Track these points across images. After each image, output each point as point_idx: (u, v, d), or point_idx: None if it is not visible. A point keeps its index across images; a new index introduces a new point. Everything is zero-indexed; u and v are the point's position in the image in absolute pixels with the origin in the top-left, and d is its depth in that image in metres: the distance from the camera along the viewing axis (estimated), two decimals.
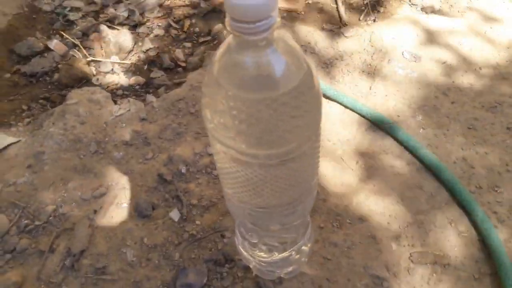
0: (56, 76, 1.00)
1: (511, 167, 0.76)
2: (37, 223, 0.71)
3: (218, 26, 1.08)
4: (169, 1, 1.18)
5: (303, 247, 0.61)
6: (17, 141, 0.83)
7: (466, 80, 0.89)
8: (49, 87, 0.98)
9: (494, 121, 0.82)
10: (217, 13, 1.12)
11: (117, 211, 0.72)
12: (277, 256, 0.59)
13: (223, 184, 0.51)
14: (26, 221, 0.71)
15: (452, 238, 0.68)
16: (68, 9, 1.16)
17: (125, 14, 1.14)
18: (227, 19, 0.34)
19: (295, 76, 0.37)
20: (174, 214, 0.71)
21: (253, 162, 0.40)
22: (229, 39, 0.36)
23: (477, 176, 0.75)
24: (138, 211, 0.72)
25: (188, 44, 1.06)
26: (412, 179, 0.74)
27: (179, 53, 1.04)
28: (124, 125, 0.85)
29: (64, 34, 1.09)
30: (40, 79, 1.00)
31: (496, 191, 0.73)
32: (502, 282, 0.61)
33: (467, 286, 0.63)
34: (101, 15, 1.14)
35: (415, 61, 0.92)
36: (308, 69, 0.38)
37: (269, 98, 0.36)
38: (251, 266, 0.63)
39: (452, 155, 0.77)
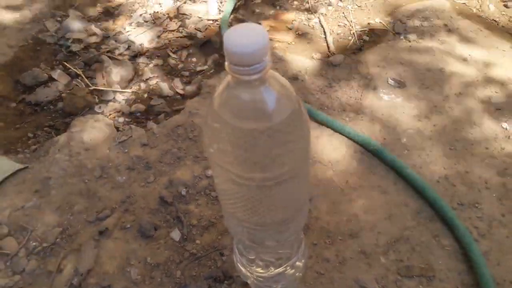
0: (60, 104, 1.05)
1: (490, 184, 0.81)
2: (45, 245, 0.75)
3: (213, 56, 1.14)
4: (167, 32, 1.24)
5: (298, 263, 0.65)
6: (25, 167, 0.87)
7: (447, 104, 0.96)
8: (53, 115, 1.03)
9: (474, 142, 0.88)
10: (212, 43, 1.19)
11: (121, 232, 0.76)
12: (273, 271, 0.63)
13: (222, 203, 0.55)
14: (34, 243, 0.75)
15: (437, 252, 0.72)
16: (70, 40, 1.22)
17: (125, 45, 1.20)
18: (226, 62, 0.39)
19: (286, 109, 0.42)
20: (175, 234, 0.75)
21: (250, 184, 0.45)
22: (228, 78, 0.42)
23: (459, 194, 0.80)
24: (141, 232, 0.76)
25: (186, 73, 1.12)
26: (398, 198, 0.79)
27: (177, 82, 1.09)
28: (126, 150, 0.90)
29: (67, 64, 1.14)
30: (45, 107, 1.05)
31: (477, 207, 0.78)
32: None
33: None
34: (103, 46, 1.20)
35: (399, 87, 0.98)
36: (296, 102, 0.44)
37: (263, 128, 0.41)
38: (249, 282, 0.67)
39: (435, 174, 0.83)
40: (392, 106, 0.95)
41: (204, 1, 1.30)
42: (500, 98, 0.97)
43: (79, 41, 1.22)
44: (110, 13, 1.31)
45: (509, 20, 1.22)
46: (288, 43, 1.14)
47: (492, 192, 0.80)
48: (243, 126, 0.42)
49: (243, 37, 0.37)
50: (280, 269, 0.63)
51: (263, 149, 0.43)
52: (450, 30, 1.14)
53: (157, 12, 1.30)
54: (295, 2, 1.27)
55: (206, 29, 1.24)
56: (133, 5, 1.33)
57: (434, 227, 0.75)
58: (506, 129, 0.90)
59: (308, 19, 1.21)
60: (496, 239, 0.73)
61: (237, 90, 0.41)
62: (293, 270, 0.65)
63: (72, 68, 1.13)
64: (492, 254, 0.71)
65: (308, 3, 1.26)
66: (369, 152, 0.86)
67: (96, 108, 1.04)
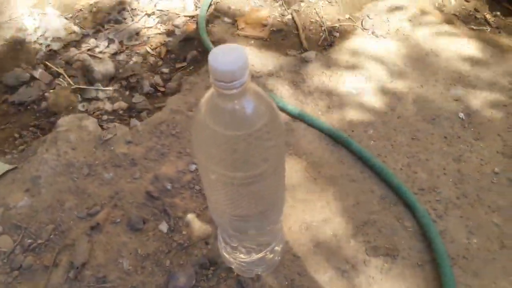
0: (43, 104, 1.08)
1: (447, 171, 0.90)
2: (39, 241, 0.80)
3: (192, 53, 1.19)
4: (146, 29, 1.28)
5: (276, 248, 0.73)
6: (14, 168, 0.91)
7: (410, 96, 1.04)
8: (38, 115, 1.07)
9: (433, 131, 0.97)
10: (191, 40, 1.23)
11: (111, 226, 0.82)
12: (254, 256, 0.70)
13: (208, 197, 0.62)
14: (29, 240, 0.80)
15: (400, 233, 0.81)
16: (50, 39, 1.24)
17: (105, 43, 1.23)
18: (211, 78, 0.45)
19: (263, 116, 0.49)
20: (163, 226, 0.82)
21: (234, 181, 0.52)
22: (212, 89, 0.48)
23: (420, 180, 0.88)
24: (130, 226, 0.82)
25: (166, 70, 1.17)
26: (365, 185, 0.87)
27: (157, 79, 1.14)
28: (112, 148, 0.95)
29: (48, 63, 1.17)
30: (29, 107, 1.08)
31: (435, 191, 0.87)
32: (439, 267, 0.74)
33: (412, 272, 0.76)
34: (83, 45, 1.23)
35: (366, 82, 1.06)
36: (272, 109, 0.50)
37: (244, 134, 0.48)
38: (232, 267, 0.75)
39: (398, 163, 0.91)
40: (360, 99, 1.03)
41: None
42: (457, 89, 1.05)
43: (58, 39, 1.24)
44: (88, 11, 1.33)
45: (468, 14, 1.30)
46: (264, 40, 1.19)
47: (449, 177, 0.89)
48: (226, 133, 0.48)
49: (225, 57, 0.43)
50: (260, 254, 0.70)
51: (245, 152, 0.49)
52: (414, 25, 1.21)
53: (135, 9, 1.33)
54: None
55: (184, 25, 1.28)
56: (111, 2, 1.35)
57: (397, 210, 0.84)
58: (462, 119, 0.99)
59: (282, 15, 1.27)
60: (451, 219, 0.82)
61: (220, 101, 0.47)
62: (272, 255, 0.73)
63: (53, 67, 1.16)
64: (447, 233, 0.80)
65: None
66: (339, 143, 0.94)
67: (80, 107, 1.08)
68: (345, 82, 1.06)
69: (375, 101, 1.03)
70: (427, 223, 0.80)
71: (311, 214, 0.83)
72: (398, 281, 0.74)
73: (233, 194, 0.55)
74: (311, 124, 0.97)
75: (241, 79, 0.43)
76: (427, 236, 0.79)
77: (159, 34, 1.26)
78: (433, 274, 0.75)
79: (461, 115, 1.00)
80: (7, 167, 0.91)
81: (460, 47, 1.15)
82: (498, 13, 1.31)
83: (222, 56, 0.43)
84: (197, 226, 0.81)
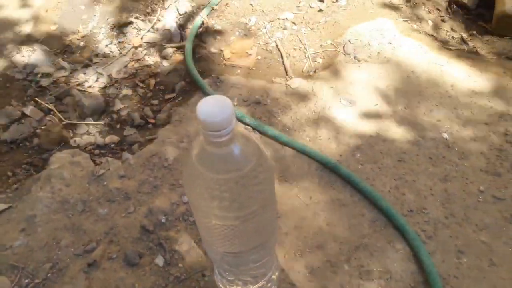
0: (35, 141, 1.09)
1: (434, 191, 0.93)
2: (37, 281, 0.80)
3: (181, 84, 1.21)
4: (133, 62, 1.30)
5: (273, 276, 0.74)
6: (8, 207, 0.92)
7: (394, 119, 1.07)
8: (30, 152, 1.08)
9: (419, 152, 1.00)
10: (178, 71, 1.26)
11: (108, 262, 0.83)
12: (251, 287, 0.72)
13: (202, 236, 0.64)
14: (26, 280, 0.80)
15: (392, 255, 0.83)
16: (39, 75, 1.26)
17: (94, 77, 1.25)
18: (199, 127, 0.47)
19: (251, 158, 0.51)
20: (159, 260, 0.83)
21: (225, 222, 0.54)
22: (201, 137, 0.50)
23: (408, 201, 0.91)
24: (127, 261, 0.83)
25: (155, 102, 1.19)
26: (355, 209, 0.90)
27: (147, 111, 1.16)
28: (105, 183, 0.96)
29: (38, 100, 1.18)
30: (21, 145, 1.09)
31: (424, 212, 0.89)
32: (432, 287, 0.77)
33: None
34: (72, 80, 1.25)
35: (351, 106, 1.09)
36: (260, 150, 0.53)
37: (234, 177, 0.50)
38: None
39: (386, 185, 0.94)
40: (346, 124, 1.06)
41: (167, 29, 1.37)
42: (440, 110, 1.09)
43: (47, 75, 1.26)
44: (76, 46, 1.35)
45: (446, 35, 1.36)
46: (250, 69, 1.22)
47: (436, 197, 0.91)
48: (216, 176, 0.50)
49: (212, 109, 0.45)
50: (257, 285, 0.72)
51: (235, 193, 0.52)
52: (394, 47, 1.26)
53: (122, 42, 1.36)
54: (253, 28, 1.36)
55: (171, 56, 1.31)
56: (98, 36, 1.38)
57: (388, 233, 0.86)
58: (446, 139, 1.02)
59: (266, 43, 1.31)
60: (441, 239, 0.85)
61: (210, 148, 0.49)
62: (269, 284, 0.74)
63: (44, 104, 1.17)
64: (438, 253, 0.83)
65: (265, 28, 1.35)
66: (328, 169, 0.96)
67: (72, 142, 1.09)
68: (330, 108, 1.09)
69: (361, 125, 1.06)
70: (417, 245, 0.82)
71: (304, 240, 0.85)
72: None
73: (226, 233, 0.57)
74: (299, 150, 0.99)
75: (228, 127, 0.46)
76: (418, 258, 0.81)
77: (147, 66, 1.29)
78: None
79: (445, 135, 1.03)
80: (1, 206, 0.92)
81: (439, 67, 1.20)
82: (474, 32, 1.36)
83: (209, 108, 0.46)
84: (193, 258, 0.83)
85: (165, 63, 1.29)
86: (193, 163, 0.51)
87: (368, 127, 1.05)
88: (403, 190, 0.93)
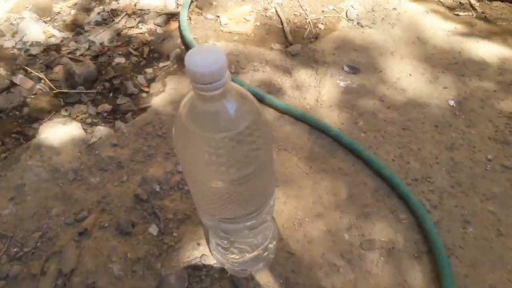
0: (25, 110, 1.05)
1: (440, 160, 0.89)
2: (26, 249, 0.77)
3: (175, 52, 1.16)
4: (127, 29, 1.25)
5: (269, 245, 0.71)
6: None
7: (399, 85, 1.03)
8: (20, 121, 1.04)
9: (424, 120, 0.96)
10: (173, 38, 1.21)
11: (100, 231, 0.79)
12: (247, 256, 0.68)
13: (195, 201, 0.60)
14: (15, 249, 0.77)
15: (395, 225, 0.79)
16: (29, 43, 1.21)
17: (86, 45, 1.20)
18: (189, 80, 0.43)
19: (247, 117, 0.46)
20: (153, 229, 0.79)
21: (219, 185, 0.50)
22: (192, 92, 0.45)
23: (412, 170, 0.87)
24: (119, 230, 0.79)
25: (149, 70, 1.14)
26: (357, 178, 0.86)
27: (141, 79, 1.11)
28: (97, 152, 0.92)
29: (28, 68, 1.14)
30: (10, 114, 1.05)
31: (429, 181, 0.86)
32: (436, 257, 0.73)
33: (409, 264, 0.74)
34: (63, 48, 1.20)
35: (354, 73, 1.04)
36: (256, 110, 0.48)
37: (228, 136, 0.46)
38: (225, 267, 0.73)
39: (390, 154, 0.90)
40: (348, 91, 1.01)
41: None
42: (446, 77, 1.04)
43: (38, 43, 1.21)
44: (67, 13, 1.30)
45: (453, 0, 1.30)
46: (248, 35, 1.17)
47: (442, 166, 0.88)
48: (208, 136, 0.46)
49: (203, 59, 0.41)
50: (254, 254, 0.68)
51: (229, 154, 0.47)
52: (399, 13, 1.20)
53: (115, 9, 1.30)
54: None
55: (165, 24, 1.26)
56: (90, 4, 1.32)
57: (391, 202, 0.82)
58: (453, 106, 0.98)
59: (265, 9, 1.25)
60: (447, 209, 0.81)
61: (201, 104, 0.45)
62: (266, 253, 0.71)
63: (34, 72, 1.13)
64: (443, 222, 0.79)
65: None
66: (329, 137, 0.92)
67: (63, 111, 1.05)
68: (333, 75, 1.05)
69: (364, 92, 1.01)
70: (422, 214, 0.78)
71: (303, 210, 0.82)
72: (395, 274, 0.73)
73: (220, 198, 0.53)
74: (299, 118, 0.95)
75: (221, 80, 0.42)
76: (422, 227, 0.78)
77: (141, 34, 1.24)
78: (430, 265, 0.74)
79: (451, 102, 0.99)
80: None
81: (446, 33, 1.15)
82: None
83: (200, 58, 0.41)
84: (188, 227, 0.79)
85: (160, 31, 1.24)
86: (183, 123, 0.47)
87: (372, 94, 1.01)
88: (407, 158, 0.89)
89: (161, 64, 1.16)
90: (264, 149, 0.50)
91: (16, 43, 1.21)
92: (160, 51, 1.19)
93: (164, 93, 1.05)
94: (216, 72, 0.40)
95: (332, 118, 0.96)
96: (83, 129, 0.98)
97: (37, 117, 1.03)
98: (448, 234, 0.78)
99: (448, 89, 1.02)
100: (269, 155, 0.53)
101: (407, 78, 1.04)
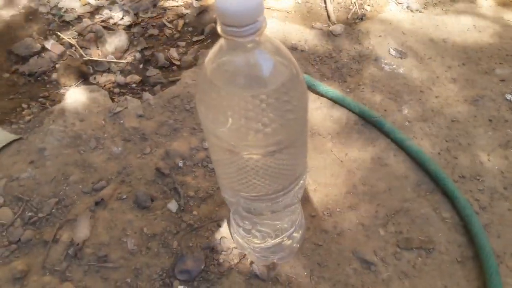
0: (54, 75, 1.02)
1: (492, 157, 0.80)
2: (40, 215, 0.74)
3: (210, 26, 1.11)
4: (162, 1, 1.21)
5: (295, 234, 0.65)
6: (19, 138, 0.86)
7: (449, 75, 0.93)
8: (48, 86, 1.01)
9: (476, 113, 0.87)
10: (209, 12, 1.15)
11: (117, 203, 0.75)
12: (270, 242, 0.62)
13: (217, 174, 0.54)
14: (30, 214, 0.74)
15: (437, 224, 0.71)
16: (63, 10, 1.18)
17: (120, 14, 1.17)
18: (218, 23, 0.37)
19: (282, 74, 0.40)
20: (172, 205, 0.74)
21: (245, 153, 0.44)
22: (221, 41, 0.39)
23: (460, 166, 0.79)
24: (137, 203, 0.75)
25: (182, 43, 1.10)
26: (398, 170, 0.78)
27: (173, 52, 1.07)
28: (122, 121, 0.88)
29: (60, 34, 1.11)
30: (39, 78, 1.02)
31: (478, 179, 0.77)
32: (483, 265, 0.65)
33: (450, 269, 0.66)
34: (96, 16, 1.17)
35: (401, 58, 0.96)
36: (294, 68, 0.42)
37: (258, 94, 0.39)
38: (246, 253, 0.67)
39: (436, 146, 0.81)
40: (393, 77, 0.93)
41: None
42: (504, 69, 0.94)
43: (72, 10, 1.19)
44: None
45: None
46: (288, 12, 1.10)
47: (494, 164, 0.79)
48: (236, 92, 0.40)
49: None
50: (277, 240, 0.62)
51: (258, 117, 0.41)
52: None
53: None
54: None
55: None
56: None
57: (434, 199, 0.74)
58: (510, 101, 0.88)
59: None
60: (498, 212, 0.72)
61: (230, 55, 0.39)
62: (290, 241, 0.65)
63: (65, 38, 1.10)
64: (493, 226, 0.71)
65: None
66: (369, 123, 0.85)
67: (91, 79, 1.02)
68: (377, 58, 0.96)
69: (411, 79, 0.93)
70: (469, 214, 0.70)
71: (335, 199, 0.75)
72: (434, 278, 0.65)
73: (245, 170, 0.46)
74: (338, 102, 0.88)
75: (256, 23, 0.35)
76: (468, 229, 0.69)
77: (177, 6, 1.19)
78: (475, 272, 0.65)
79: (509, 96, 0.89)
80: (12, 137, 0.86)
81: (506, 22, 1.04)
82: None
83: None
84: (210, 206, 0.74)
85: (196, 4, 1.18)
86: (209, 78, 0.41)
87: (419, 81, 0.92)
88: (455, 153, 0.80)
89: (195, 38, 1.11)
90: (299, 114, 0.43)
91: (51, 9, 1.19)
92: (195, 25, 1.14)
93: (195, 67, 1.00)
94: (251, 11, 0.34)
95: (373, 103, 0.88)
96: (110, 98, 0.94)
97: (65, 83, 1.00)
98: (497, 239, 0.69)
99: (506, 82, 0.92)
100: (303, 122, 0.46)
101: (459, 67, 0.95)
